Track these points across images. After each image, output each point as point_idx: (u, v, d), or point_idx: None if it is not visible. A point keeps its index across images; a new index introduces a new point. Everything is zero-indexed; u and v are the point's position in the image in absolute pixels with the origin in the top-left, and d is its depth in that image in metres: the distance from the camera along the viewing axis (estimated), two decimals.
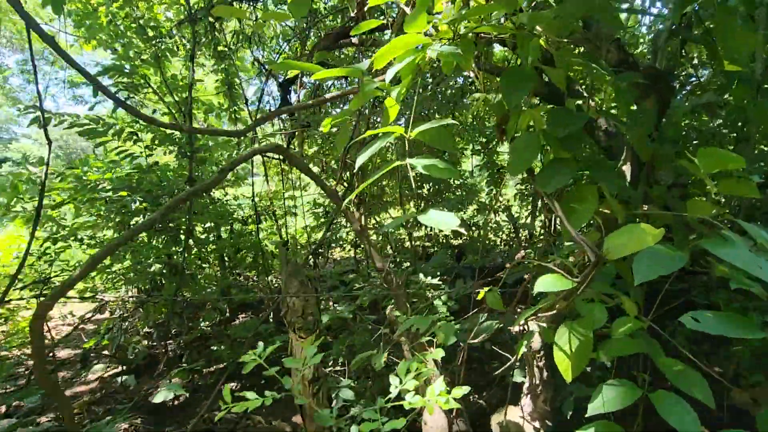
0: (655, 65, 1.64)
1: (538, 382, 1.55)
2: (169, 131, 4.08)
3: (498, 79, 1.58)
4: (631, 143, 1.39)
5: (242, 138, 5.39)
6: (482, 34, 1.20)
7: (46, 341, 4.34)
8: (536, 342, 1.59)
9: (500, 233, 7.16)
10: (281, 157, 4.12)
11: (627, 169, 1.60)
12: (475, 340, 1.40)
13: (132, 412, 3.25)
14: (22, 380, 3.75)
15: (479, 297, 1.44)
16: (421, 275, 3.13)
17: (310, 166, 4.84)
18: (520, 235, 6.94)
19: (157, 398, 1.95)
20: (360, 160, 1.02)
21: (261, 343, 1.22)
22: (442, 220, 0.86)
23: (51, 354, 3.60)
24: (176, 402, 3.57)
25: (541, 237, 6.87)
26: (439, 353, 1.51)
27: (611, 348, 1.02)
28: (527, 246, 6.67)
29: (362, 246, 6.24)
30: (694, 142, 2.39)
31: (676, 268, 0.79)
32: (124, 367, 3.98)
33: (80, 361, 3.58)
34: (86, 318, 4.38)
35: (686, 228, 1.10)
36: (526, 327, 1.60)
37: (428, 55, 0.98)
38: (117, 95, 4.29)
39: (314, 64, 1.05)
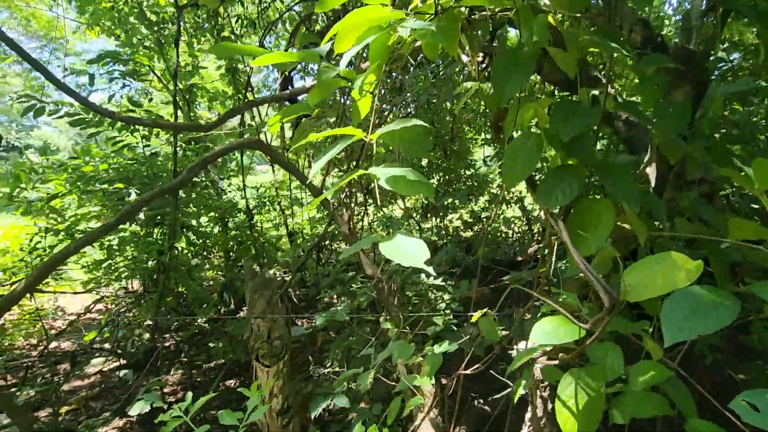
0: (689, 47, 1.37)
1: (541, 414, 1.35)
2: (164, 122, 3.92)
3: None
4: (657, 142, 1.15)
5: (244, 127, 5.22)
6: (475, 10, 0.97)
7: (41, 336, 4.32)
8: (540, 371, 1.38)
9: (512, 226, 6.88)
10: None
11: (651, 171, 1.35)
12: (470, 370, 1.21)
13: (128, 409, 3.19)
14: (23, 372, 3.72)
15: (472, 320, 1.24)
16: (423, 276, 2.93)
17: (301, 158, 4.65)
18: (533, 228, 6.64)
19: (133, 410, 1.82)
20: (315, 168, 0.81)
21: (189, 394, 1.05)
22: (406, 252, 0.65)
23: (45, 348, 3.55)
24: (175, 398, 3.51)
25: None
26: (426, 382, 1.32)
27: (629, 405, 0.80)
28: (540, 240, 6.39)
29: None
30: (724, 134, 2.10)
31: (723, 325, 0.57)
32: (124, 361, 3.92)
33: (71, 356, 3.52)
34: (88, 310, 4.33)
35: (725, 255, 0.87)
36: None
37: (399, 33, 0.77)
38: (113, 83, 4.14)
39: (259, 48, 0.84)
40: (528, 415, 1.48)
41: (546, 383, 1.40)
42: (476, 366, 1.22)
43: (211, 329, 3.69)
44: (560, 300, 1.21)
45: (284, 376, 1.42)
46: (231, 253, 5.24)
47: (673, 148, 1.04)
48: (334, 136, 0.83)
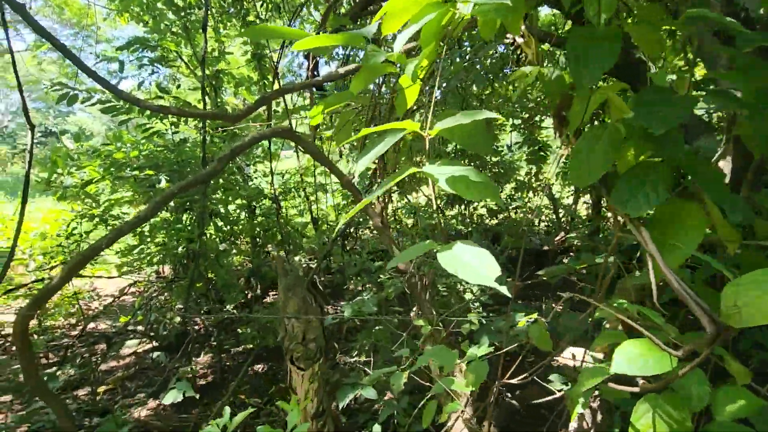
0: None
1: (590, 424, 1.25)
2: (192, 107, 3.91)
3: (545, 47, 1.21)
4: (740, 132, 1.00)
5: (273, 113, 5.16)
6: None
7: (79, 318, 4.47)
8: None
9: (540, 215, 6.66)
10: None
11: (725, 166, 1.20)
12: (517, 380, 1.12)
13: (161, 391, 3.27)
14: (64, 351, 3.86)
15: (519, 324, 1.14)
16: None
17: (331, 147, 4.56)
18: (561, 216, 6.41)
19: (167, 399, 1.82)
20: (360, 166, 0.72)
21: (227, 410, 1.00)
22: (472, 267, 0.56)
23: (84, 329, 3.66)
24: (205, 381, 3.57)
25: (586, 220, 6.32)
26: (466, 389, 1.24)
27: None
28: (568, 229, 6.15)
29: (393, 227, 5.99)
30: None
31: None
32: (157, 344, 4.02)
33: (107, 338, 3.62)
34: (122, 293, 4.45)
35: None
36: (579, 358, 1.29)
37: (460, 11, 0.66)
38: (142, 69, 4.13)
39: (297, 30, 0.75)
40: (573, 425, 1.38)
41: (595, 392, 1.30)
42: (524, 376, 1.13)
43: (238, 316, 3.72)
44: (615, 305, 1.10)
45: (319, 379, 1.36)
46: (257, 239, 5.27)
47: (764, 141, 0.90)
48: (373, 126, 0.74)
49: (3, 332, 4.01)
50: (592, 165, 0.75)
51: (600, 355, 1.34)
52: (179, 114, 2.25)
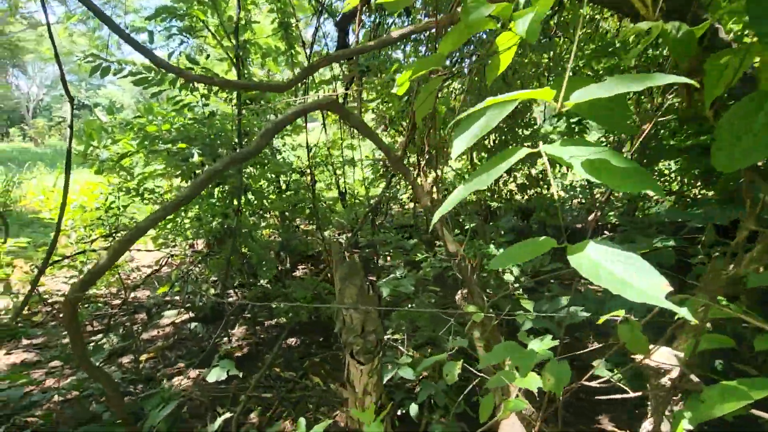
0: None
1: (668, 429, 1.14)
2: (237, 81, 3.80)
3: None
4: None
5: (300, 85, 5.01)
6: None
7: (119, 287, 4.59)
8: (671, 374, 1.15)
9: (573, 191, 6.33)
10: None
11: None
12: (596, 383, 1.01)
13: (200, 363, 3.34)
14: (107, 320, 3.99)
15: (599, 320, 1.02)
16: (492, 247, 2.70)
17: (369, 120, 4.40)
18: (596, 192, 6.08)
19: (211, 377, 1.81)
20: (458, 147, 0.59)
21: (302, 420, 0.92)
22: (627, 280, 0.43)
23: (125, 299, 3.75)
24: (241, 353, 3.63)
25: (623, 197, 5.99)
26: (532, 386, 1.13)
27: None
28: (604, 206, 5.85)
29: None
30: None
31: None
32: (193, 315, 4.10)
33: (147, 308, 3.70)
34: (159, 265, 4.53)
35: None
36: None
37: None
38: (171, 40, 4.02)
39: None
40: (647, 425, 1.27)
41: (678, 396, 1.17)
42: (602, 379, 1.01)
43: (272, 291, 3.72)
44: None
45: (378, 372, 1.29)
46: (286, 213, 5.24)
47: None
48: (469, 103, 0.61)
49: (50, 300, 4.17)
50: (744, 146, 0.59)
51: (682, 354, 1.20)
52: (223, 85, 2.14)
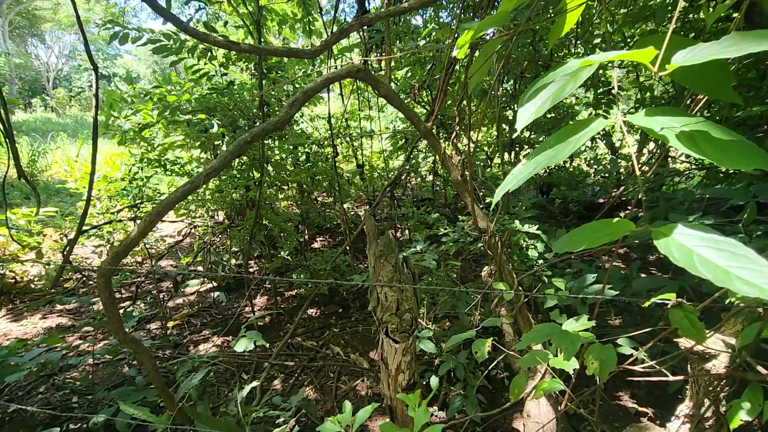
0: None
1: (710, 414, 1.10)
2: (267, 48, 3.70)
3: None
4: None
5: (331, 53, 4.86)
6: None
7: (144, 256, 4.69)
8: (718, 364, 1.10)
9: (595, 164, 6.09)
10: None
11: None
12: (640, 367, 0.97)
13: (224, 330, 3.42)
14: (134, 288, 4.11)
15: (653, 299, 0.97)
16: (517, 222, 2.63)
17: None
18: (620, 167, 5.85)
19: (239, 346, 1.84)
20: (526, 116, 0.53)
21: (348, 404, 0.90)
22: (733, 269, 0.38)
23: (152, 267, 3.84)
24: (262, 323, 3.71)
25: (648, 171, 5.75)
26: (568, 367, 1.10)
27: None
28: (626, 180, 5.62)
29: (441, 174, 5.74)
30: None
31: None
32: (216, 284, 4.19)
33: (173, 279, 3.78)
34: (182, 235, 4.60)
35: None
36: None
37: None
38: (186, 6, 3.90)
39: None
40: (684, 409, 1.24)
41: (723, 381, 1.13)
42: (645, 365, 0.97)
43: (293, 263, 3.75)
44: None
45: (412, 351, 1.28)
46: (305, 186, 5.22)
47: None
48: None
49: (82, 268, 4.30)
50: None
51: (732, 340, 1.15)
52: (250, 51, 2.07)
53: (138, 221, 2.25)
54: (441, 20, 4.72)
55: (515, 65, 4.01)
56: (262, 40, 5.12)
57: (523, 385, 1.28)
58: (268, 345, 2.66)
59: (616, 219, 0.53)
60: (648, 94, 4.82)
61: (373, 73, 1.37)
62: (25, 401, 2.47)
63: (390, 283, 1.13)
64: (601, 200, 5.85)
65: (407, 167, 4.25)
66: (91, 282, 4.28)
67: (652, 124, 0.45)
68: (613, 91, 5.08)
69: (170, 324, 3.57)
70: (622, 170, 5.74)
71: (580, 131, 0.52)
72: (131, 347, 1.46)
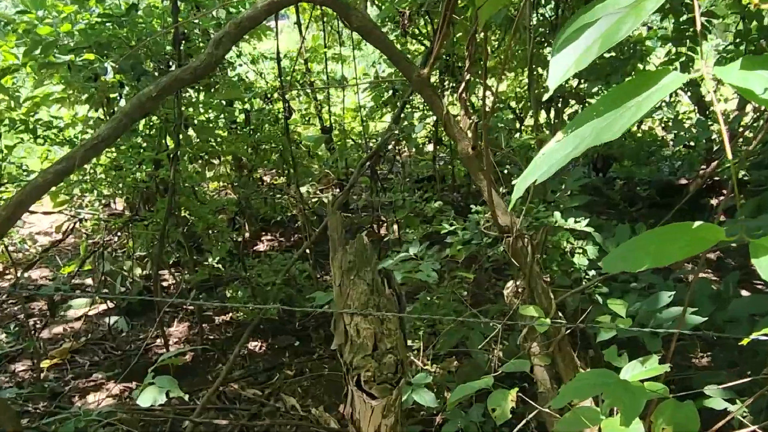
0: None
1: None
2: None
3: None
4: None
5: None
6: None
7: (6, 264, 4.60)
8: None
9: (675, 128, 6.01)
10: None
11: None
12: None
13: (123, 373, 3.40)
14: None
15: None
16: (558, 215, 2.66)
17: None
18: (711, 131, 5.80)
19: (143, 400, 1.85)
20: (562, 68, 0.54)
21: None
22: None
23: (16, 281, 3.78)
24: (180, 364, 3.69)
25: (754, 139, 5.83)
26: (631, 431, 1.13)
27: None
28: (720, 152, 5.67)
29: (446, 142, 5.76)
30: None
31: None
32: (112, 305, 4.15)
33: (49, 298, 3.73)
34: (61, 232, 4.53)
35: None
36: None
37: None
38: None
39: None
40: None
41: None
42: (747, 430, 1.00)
43: (227, 273, 3.73)
44: None
45: (397, 411, 1.26)
46: (244, 159, 5.18)
47: None
48: None
49: None
50: None
51: None
52: None
53: None
54: None
55: None
56: None
57: None
58: (187, 396, 2.64)
59: (697, 223, 0.53)
60: (754, 23, 4.80)
61: None
62: None
63: (364, 310, 1.12)
64: (684, 180, 5.87)
65: (395, 132, 4.23)
66: None
67: (750, 82, 0.45)
68: (698, 20, 5.08)
69: (45, 364, 3.53)
70: (714, 136, 5.60)
71: (645, 90, 0.52)
72: None
